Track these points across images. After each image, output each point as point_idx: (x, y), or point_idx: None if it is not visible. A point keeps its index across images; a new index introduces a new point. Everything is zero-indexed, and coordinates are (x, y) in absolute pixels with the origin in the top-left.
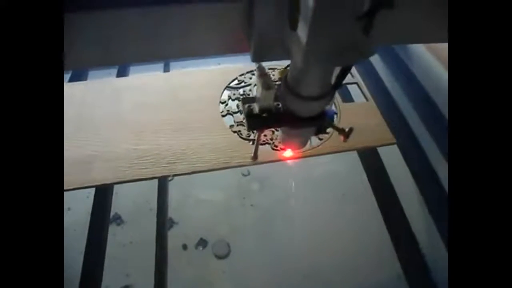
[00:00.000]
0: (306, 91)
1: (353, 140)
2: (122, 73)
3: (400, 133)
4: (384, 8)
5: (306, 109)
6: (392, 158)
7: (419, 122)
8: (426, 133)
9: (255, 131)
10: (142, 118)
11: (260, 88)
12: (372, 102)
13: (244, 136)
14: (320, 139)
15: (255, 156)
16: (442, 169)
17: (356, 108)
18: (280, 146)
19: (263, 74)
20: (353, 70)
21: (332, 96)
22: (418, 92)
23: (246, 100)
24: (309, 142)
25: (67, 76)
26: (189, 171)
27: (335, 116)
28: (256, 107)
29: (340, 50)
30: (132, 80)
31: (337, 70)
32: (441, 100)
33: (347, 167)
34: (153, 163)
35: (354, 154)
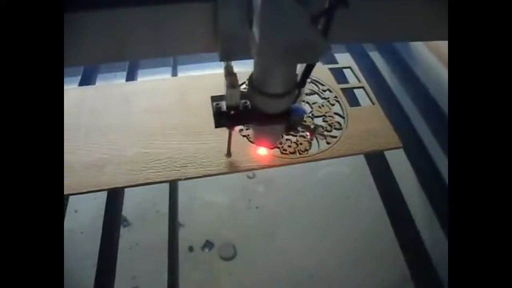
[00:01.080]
0: (270, 88)
1: (360, 144)
2: (131, 77)
3: (406, 135)
4: (340, 7)
5: (271, 106)
6: (398, 160)
7: (425, 125)
8: (431, 135)
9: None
10: (152, 122)
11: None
12: (378, 106)
13: (253, 139)
14: (328, 143)
15: (228, 154)
16: (447, 171)
17: (362, 112)
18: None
19: (230, 73)
20: (359, 74)
21: (297, 93)
22: (424, 95)
23: (215, 98)
24: (317, 146)
25: (76, 80)
26: (200, 175)
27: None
28: (224, 105)
29: (295, 48)
30: (141, 84)
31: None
32: (444, 101)
33: (352, 169)
34: (165, 166)
35: (360, 156)
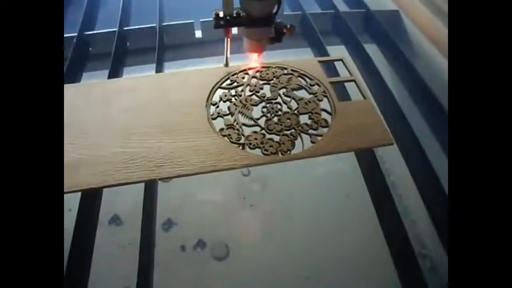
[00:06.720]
0: None
1: (350, 141)
2: (114, 75)
3: (400, 131)
4: None
5: (255, 9)
6: (391, 158)
7: (421, 120)
8: (427, 131)
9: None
10: (131, 121)
11: None
12: (369, 100)
13: (233, 140)
14: (313, 142)
15: (226, 63)
16: (443, 170)
17: (352, 107)
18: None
19: None
20: (351, 67)
21: (278, 2)
22: (420, 89)
23: (217, 9)
24: (301, 145)
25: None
26: (175, 175)
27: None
28: (221, 13)
29: None
30: (123, 82)
31: None
32: (444, 97)
33: (351, 167)
34: (140, 166)
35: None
